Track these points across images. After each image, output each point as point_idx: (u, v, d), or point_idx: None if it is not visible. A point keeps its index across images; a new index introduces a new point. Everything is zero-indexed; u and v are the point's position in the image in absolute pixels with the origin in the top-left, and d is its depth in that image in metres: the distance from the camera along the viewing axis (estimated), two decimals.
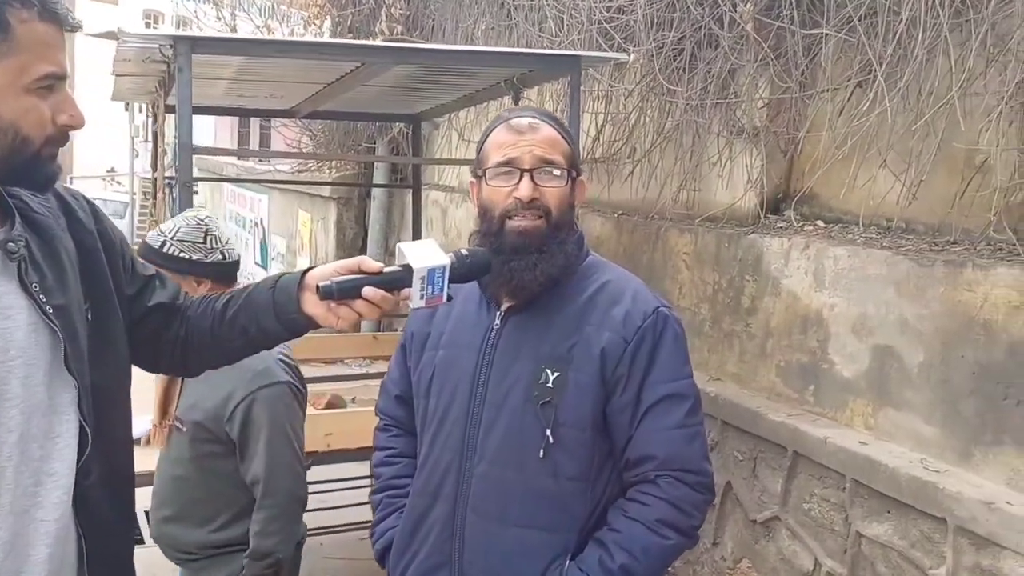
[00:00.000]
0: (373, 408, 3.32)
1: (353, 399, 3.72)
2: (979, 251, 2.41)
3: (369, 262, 1.41)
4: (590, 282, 1.67)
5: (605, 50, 3.52)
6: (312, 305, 1.42)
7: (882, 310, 2.58)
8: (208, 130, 19.58)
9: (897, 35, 2.55)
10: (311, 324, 1.45)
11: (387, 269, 1.41)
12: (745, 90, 3.15)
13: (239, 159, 10.42)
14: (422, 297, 1.40)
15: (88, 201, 1.39)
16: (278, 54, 2.83)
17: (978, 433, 2.30)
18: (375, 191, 6.56)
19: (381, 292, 1.38)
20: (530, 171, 1.61)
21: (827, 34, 2.77)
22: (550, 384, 1.60)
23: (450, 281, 1.42)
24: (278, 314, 1.45)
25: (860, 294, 2.66)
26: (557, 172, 1.62)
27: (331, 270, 1.42)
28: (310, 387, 3.63)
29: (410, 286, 1.39)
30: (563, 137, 1.66)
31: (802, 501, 2.75)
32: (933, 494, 2.28)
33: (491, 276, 1.60)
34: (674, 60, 3.33)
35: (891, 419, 2.56)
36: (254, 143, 19.41)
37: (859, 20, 2.70)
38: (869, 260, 2.64)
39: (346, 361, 4.42)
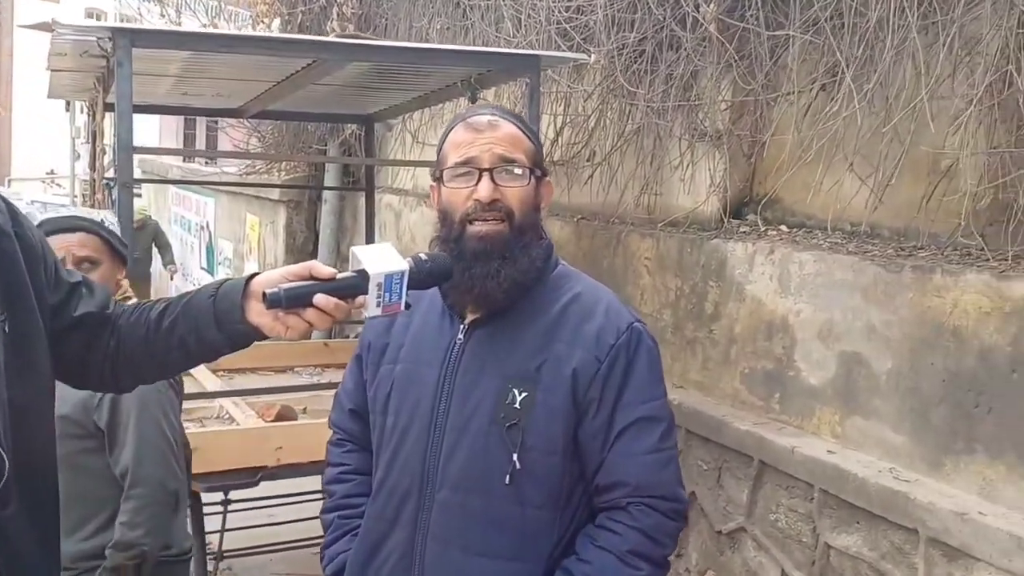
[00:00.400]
0: (326, 420, 3.24)
1: (304, 410, 3.58)
2: (947, 256, 2.38)
3: (320, 267, 1.29)
4: (560, 294, 1.57)
5: (564, 51, 3.44)
6: (257, 314, 1.31)
7: (849, 316, 2.54)
8: (152, 131, 19.11)
9: (864, 37, 2.51)
10: (256, 335, 1.33)
11: (340, 275, 1.30)
12: (707, 92, 3.10)
13: (185, 161, 10.15)
14: (378, 305, 1.30)
15: (6, 201, 1.26)
16: (225, 49, 2.69)
17: (948, 442, 2.26)
18: (326, 194, 6.41)
19: (334, 300, 1.27)
20: (489, 170, 1.50)
21: (792, 36, 2.73)
22: (517, 405, 1.49)
23: (408, 287, 1.32)
24: (220, 324, 1.33)
25: (826, 300, 2.61)
26: (518, 171, 1.51)
27: (279, 276, 1.30)
28: (260, 398, 3.51)
29: (365, 293, 1.28)
30: (526, 135, 1.56)
31: (768, 512, 2.69)
32: (904, 504, 2.23)
33: (452, 285, 1.50)
34: (635, 61, 3.26)
35: (859, 427, 2.51)
36: (200, 145, 19.01)
37: (825, 22, 2.65)
38: (836, 265, 2.59)
39: (296, 370, 4.27)
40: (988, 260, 2.25)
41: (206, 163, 11.41)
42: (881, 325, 2.44)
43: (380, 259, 1.30)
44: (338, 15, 5.56)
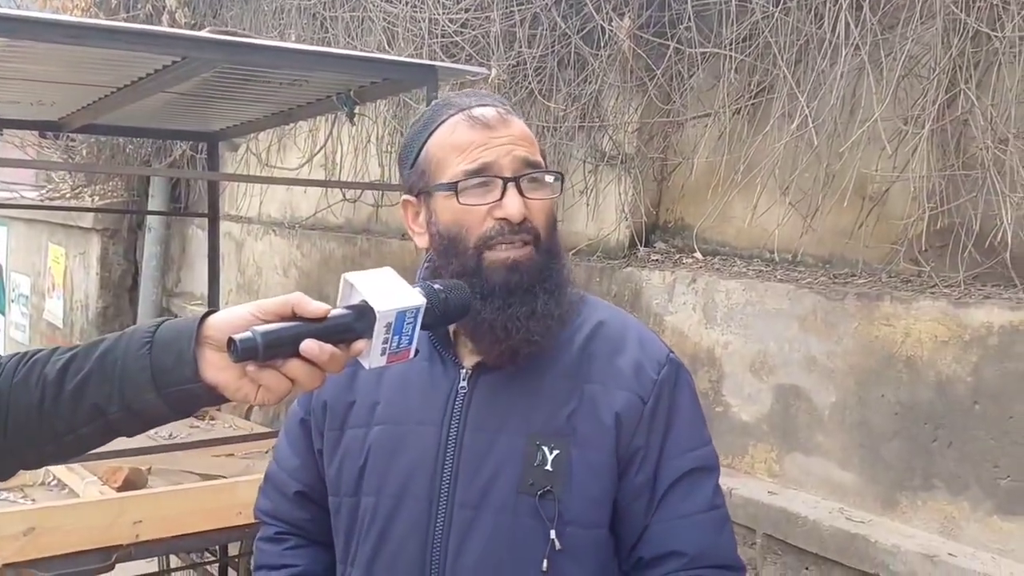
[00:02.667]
0: (185, 485, 2.75)
1: (149, 470, 3.05)
2: (888, 283, 2.30)
3: (308, 302, 0.95)
4: (578, 323, 1.28)
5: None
6: (217, 369, 0.95)
7: (785, 347, 2.41)
8: None
9: (797, 56, 2.41)
10: (213, 398, 0.97)
11: (334, 312, 0.97)
12: (612, 113, 2.93)
13: None
14: (384, 352, 0.98)
15: None
16: (72, 40, 2.21)
17: (904, 478, 2.15)
18: (150, 221, 5.75)
19: (328, 347, 0.93)
20: (516, 180, 1.18)
21: (709, 54, 2.61)
22: (548, 466, 1.19)
23: (420, 328, 1.02)
24: (160, 385, 0.95)
25: (758, 330, 2.48)
26: (549, 178, 1.20)
27: (247, 314, 0.95)
28: (95, 463, 2.94)
29: (367, 336, 0.97)
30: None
31: None
32: (864, 547, 2.10)
33: (477, 330, 1.19)
34: (534, 78, 3.04)
35: (799, 465, 2.38)
36: None
37: (743, 41, 2.55)
38: (768, 294, 2.46)
39: None
40: (936, 286, 2.18)
41: None
42: (822, 356, 2.32)
43: (386, 291, 0.99)
44: (169, 23, 5.01)
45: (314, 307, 0.95)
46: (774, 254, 2.62)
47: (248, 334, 0.91)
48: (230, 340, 0.91)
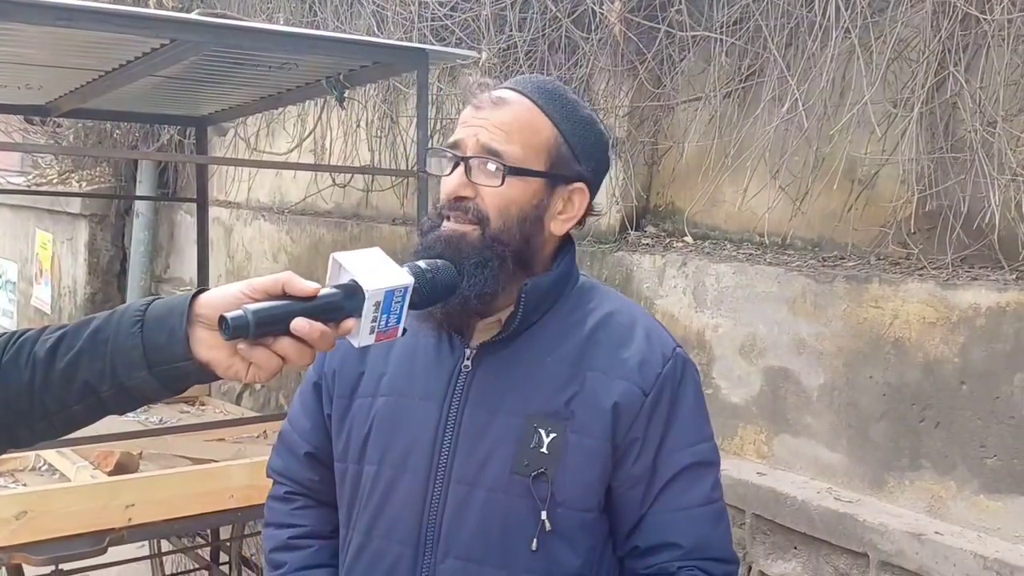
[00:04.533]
0: (177, 469, 2.75)
1: (140, 454, 3.05)
2: (877, 266, 2.32)
3: (298, 280, 0.96)
4: (586, 312, 1.29)
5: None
6: (208, 347, 0.95)
7: (774, 330, 2.43)
8: None
9: (787, 40, 2.42)
10: (205, 375, 0.97)
11: (324, 291, 0.98)
12: (603, 96, 2.93)
13: None
14: (372, 331, 0.99)
15: None
16: (63, 23, 2.20)
17: (891, 458, 2.18)
18: (139, 207, 5.72)
19: (318, 325, 0.94)
20: (462, 160, 1.22)
21: (700, 38, 2.61)
22: (544, 449, 1.20)
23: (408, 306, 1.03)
24: (152, 362, 0.95)
25: (748, 314, 2.49)
26: (492, 167, 1.21)
27: (238, 293, 0.95)
28: (87, 448, 2.94)
29: (356, 315, 0.98)
30: (554, 124, 1.24)
31: None
32: (852, 527, 2.13)
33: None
34: (525, 62, 3.04)
35: (788, 446, 2.40)
36: None
37: (734, 25, 2.55)
38: (757, 277, 2.48)
39: None
40: (924, 269, 2.19)
41: None
42: (811, 338, 2.34)
43: (374, 270, 1.00)
44: (156, 6, 4.97)
45: (304, 286, 0.95)
46: (764, 237, 2.63)
47: (239, 312, 0.92)
48: (221, 318, 0.92)
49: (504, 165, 1.22)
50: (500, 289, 1.23)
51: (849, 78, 2.38)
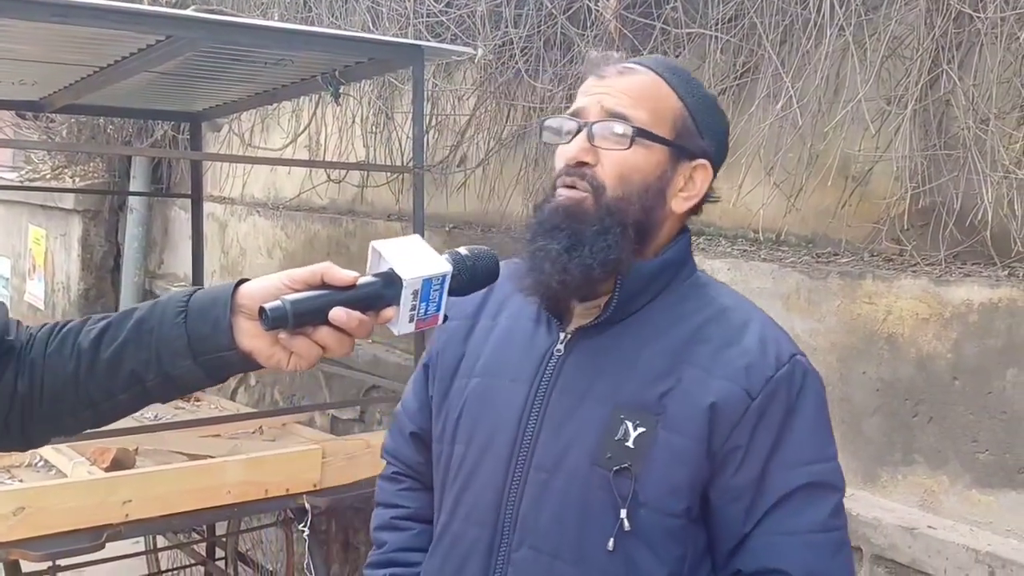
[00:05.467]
0: (174, 465, 2.76)
1: (136, 450, 3.06)
2: (870, 262, 2.33)
3: (336, 270, 0.97)
4: (697, 307, 1.22)
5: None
6: (251, 336, 0.97)
7: None
8: None
9: (782, 37, 2.43)
10: (248, 364, 0.99)
11: (362, 280, 0.99)
12: None
13: None
14: (411, 320, 1.00)
15: None
16: (58, 19, 2.20)
17: (884, 453, 2.19)
18: (132, 203, 5.70)
19: (356, 314, 0.95)
20: (586, 125, 1.18)
21: (695, 35, 2.62)
22: (630, 443, 1.14)
23: (448, 294, 1.04)
24: (197, 352, 0.97)
25: None
26: (619, 129, 1.16)
27: (278, 283, 0.97)
28: (83, 444, 2.95)
29: (395, 304, 0.99)
30: (679, 96, 1.21)
31: None
32: None
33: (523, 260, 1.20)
34: (520, 58, 3.05)
35: None
36: None
37: (729, 22, 2.56)
38: (752, 273, 2.49)
39: None
40: (917, 265, 2.21)
41: None
42: (805, 334, 2.35)
43: (412, 258, 1.00)
44: (151, 1, 4.96)
45: (342, 275, 0.97)
46: (758, 234, 2.65)
47: (278, 303, 0.94)
48: (261, 309, 0.94)
49: (633, 127, 1.18)
50: (623, 257, 1.17)
51: (843, 75, 2.38)
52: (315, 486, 2.67)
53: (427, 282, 0.99)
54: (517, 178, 3.20)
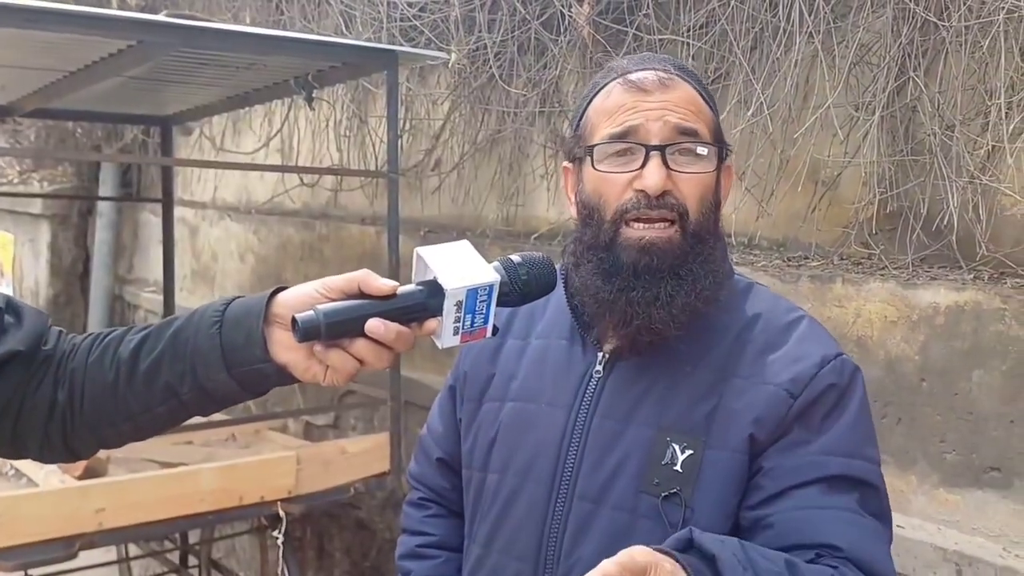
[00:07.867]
0: (148, 473, 2.73)
1: (108, 458, 3.03)
2: (840, 266, 2.37)
3: (374, 278, 0.92)
4: (737, 314, 1.17)
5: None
6: (286, 348, 0.94)
7: None
8: None
9: (751, 44, 2.46)
10: (283, 378, 0.96)
11: (402, 289, 0.94)
12: (572, 98, 2.96)
13: None
14: (456, 332, 0.95)
15: None
16: (29, 24, 2.17)
17: None
18: (101, 207, 5.65)
19: (394, 326, 0.90)
20: (660, 148, 1.08)
21: (667, 41, 2.64)
22: (678, 467, 1.09)
23: (497, 305, 0.97)
24: (231, 364, 0.94)
25: None
26: (702, 150, 1.09)
27: (313, 292, 0.93)
28: None
29: (437, 315, 0.93)
30: (705, 100, 1.15)
31: None
32: None
33: (597, 308, 1.12)
34: (494, 63, 3.06)
35: None
36: None
37: (700, 28, 2.59)
38: None
39: None
40: (885, 268, 2.25)
41: None
42: None
43: (458, 266, 0.94)
44: (118, 5, 4.91)
45: (380, 284, 0.92)
46: (731, 238, 2.67)
47: (310, 314, 0.89)
48: (293, 319, 0.90)
49: (709, 146, 1.12)
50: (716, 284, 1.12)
51: (812, 82, 2.42)
52: (289, 493, 2.65)
53: (472, 292, 0.93)
54: (492, 182, 3.21)
